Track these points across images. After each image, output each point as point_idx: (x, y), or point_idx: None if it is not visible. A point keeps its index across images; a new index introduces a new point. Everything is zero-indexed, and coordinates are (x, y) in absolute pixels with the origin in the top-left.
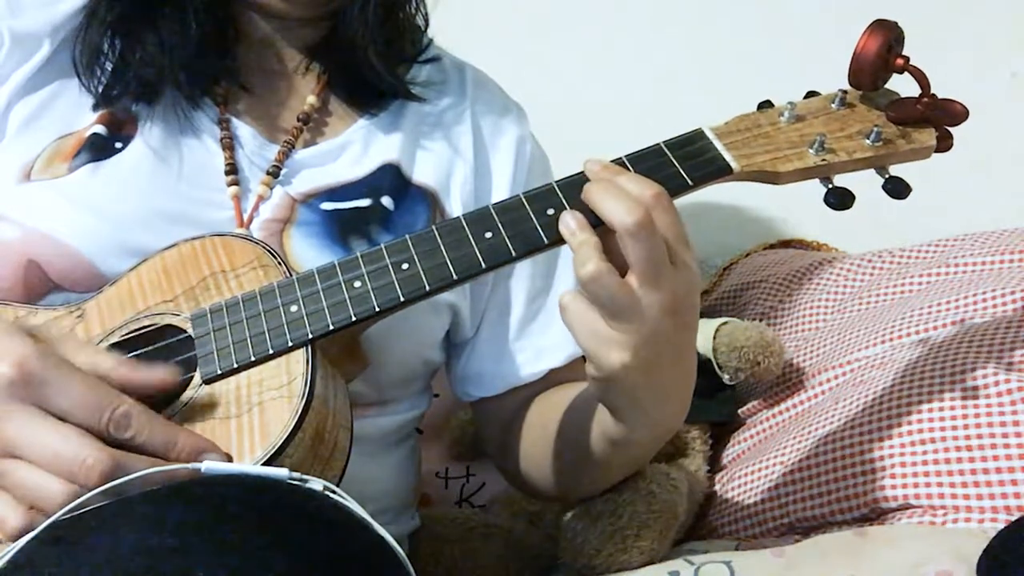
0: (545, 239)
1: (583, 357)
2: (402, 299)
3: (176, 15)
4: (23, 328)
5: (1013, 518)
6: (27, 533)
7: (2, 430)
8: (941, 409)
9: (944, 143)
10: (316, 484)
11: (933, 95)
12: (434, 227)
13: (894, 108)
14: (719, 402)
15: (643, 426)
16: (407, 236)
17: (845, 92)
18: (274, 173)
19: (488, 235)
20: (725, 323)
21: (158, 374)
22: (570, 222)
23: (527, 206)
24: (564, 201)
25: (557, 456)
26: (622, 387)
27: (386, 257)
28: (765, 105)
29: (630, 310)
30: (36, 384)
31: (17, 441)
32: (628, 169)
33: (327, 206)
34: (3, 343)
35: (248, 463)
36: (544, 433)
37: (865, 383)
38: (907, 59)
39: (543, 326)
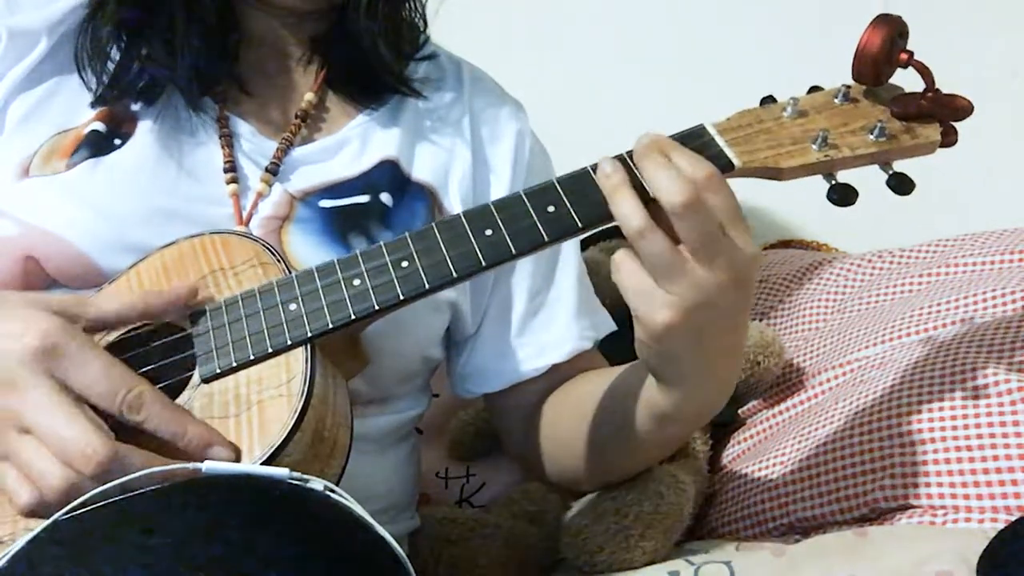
0: (546, 236)
1: (592, 349)
2: (402, 297)
3: (184, 14)
4: (46, 303)
5: (1013, 518)
6: (36, 508)
7: (20, 402)
8: (941, 409)
9: (949, 138)
10: (317, 484)
11: (937, 90)
12: (434, 225)
13: (898, 103)
14: None
15: (688, 399)
16: (407, 234)
17: (849, 87)
18: (273, 170)
19: (488, 232)
20: None
21: (183, 285)
22: (605, 166)
23: (527, 203)
24: (564, 198)
25: (594, 440)
26: (669, 351)
27: (385, 255)
28: (768, 100)
29: (679, 273)
30: (59, 357)
31: (32, 417)
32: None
33: (325, 203)
34: (29, 315)
35: (247, 462)
36: (580, 418)
37: (865, 383)
38: (911, 54)
39: (545, 322)
